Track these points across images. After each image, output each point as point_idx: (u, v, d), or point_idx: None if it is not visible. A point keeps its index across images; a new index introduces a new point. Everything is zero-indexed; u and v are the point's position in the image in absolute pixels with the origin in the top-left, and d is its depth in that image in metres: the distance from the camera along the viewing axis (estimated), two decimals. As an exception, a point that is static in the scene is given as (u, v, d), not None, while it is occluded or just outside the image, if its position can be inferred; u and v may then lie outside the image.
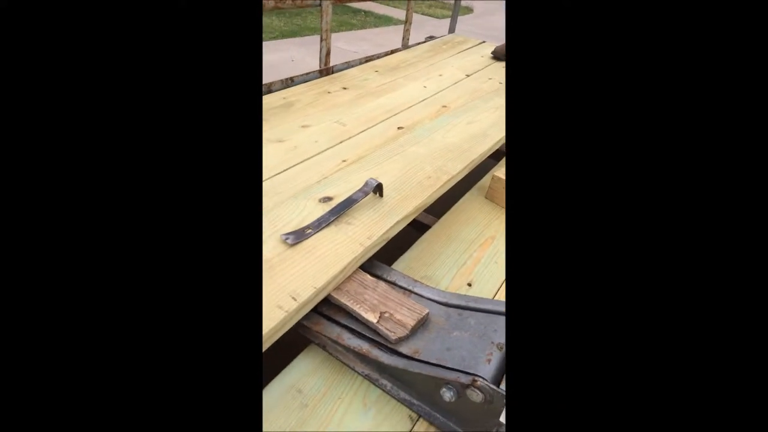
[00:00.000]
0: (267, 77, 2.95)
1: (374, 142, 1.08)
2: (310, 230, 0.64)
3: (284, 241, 0.62)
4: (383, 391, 0.54)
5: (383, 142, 1.08)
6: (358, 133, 1.12)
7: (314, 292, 0.55)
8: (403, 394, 0.53)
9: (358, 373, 0.55)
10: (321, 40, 1.40)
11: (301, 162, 0.96)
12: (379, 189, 0.74)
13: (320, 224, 0.66)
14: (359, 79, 1.46)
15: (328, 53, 1.44)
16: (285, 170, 0.92)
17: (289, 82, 1.33)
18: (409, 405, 0.52)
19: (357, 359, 0.55)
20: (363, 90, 1.38)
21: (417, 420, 0.52)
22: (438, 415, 0.51)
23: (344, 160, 0.98)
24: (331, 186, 0.78)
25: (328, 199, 0.73)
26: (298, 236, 0.63)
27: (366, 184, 0.74)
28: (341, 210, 0.69)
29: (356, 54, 1.79)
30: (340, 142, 1.07)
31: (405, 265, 0.74)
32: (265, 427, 0.48)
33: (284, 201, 0.73)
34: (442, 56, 1.77)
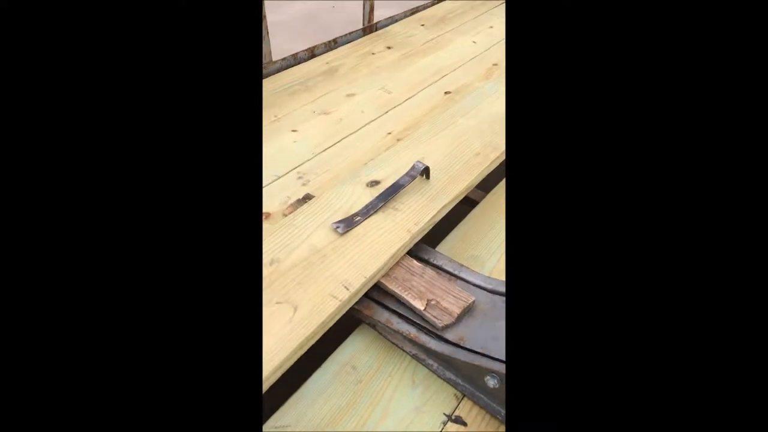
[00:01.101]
0: (307, 26, 2.87)
1: (421, 110, 1.06)
2: (358, 218, 0.67)
3: (335, 230, 0.65)
4: (430, 370, 0.58)
5: (430, 109, 1.06)
6: (404, 101, 1.10)
7: (365, 281, 0.58)
8: (448, 374, 0.57)
9: (407, 353, 0.60)
10: (364, -4, 1.34)
11: (348, 135, 0.97)
12: (426, 172, 0.74)
13: (368, 211, 0.68)
14: (404, 36, 1.40)
15: (371, 10, 1.38)
16: (332, 145, 0.94)
17: (332, 44, 1.31)
18: (454, 384, 0.57)
19: (405, 341, 0.59)
20: (408, 48, 1.33)
21: (462, 399, 0.56)
22: (482, 396, 0.55)
23: (389, 133, 0.98)
24: (378, 168, 0.80)
25: (376, 183, 0.75)
26: (348, 224, 0.66)
27: (413, 167, 0.74)
28: (389, 196, 0.70)
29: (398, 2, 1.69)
30: (386, 112, 1.06)
31: (450, 245, 0.75)
32: (323, 400, 0.54)
33: (333, 186, 0.75)
34: (494, 3, 1.64)
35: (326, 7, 3.02)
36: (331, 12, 2.94)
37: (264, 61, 1.14)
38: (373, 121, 1.03)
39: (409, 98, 1.12)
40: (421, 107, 1.08)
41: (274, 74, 1.16)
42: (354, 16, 2.49)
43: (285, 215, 0.72)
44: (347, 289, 0.57)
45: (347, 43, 1.34)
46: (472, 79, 1.19)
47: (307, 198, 0.75)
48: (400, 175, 0.75)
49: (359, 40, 1.36)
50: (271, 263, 0.60)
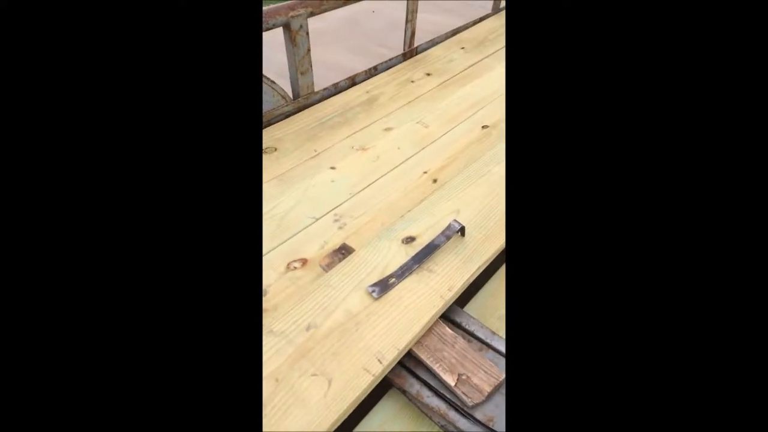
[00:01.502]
0: (346, 31, 2.86)
1: (458, 146, 1.06)
2: (393, 279, 0.68)
3: (370, 294, 0.67)
4: (457, 442, 0.59)
5: (467, 145, 1.06)
6: (441, 136, 1.10)
7: (397, 354, 0.60)
8: (475, 449, 0.58)
9: (435, 423, 0.61)
10: (406, 22, 1.33)
11: (384, 175, 0.98)
12: (461, 231, 0.75)
13: (403, 273, 0.69)
14: (444, 61, 1.39)
15: (412, 35, 1.37)
16: (369, 185, 0.95)
17: (373, 71, 1.32)
18: (480, 460, 0.58)
19: (435, 413, 0.61)
20: (447, 75, 1.32)
21: (487, 475, 0.57)
22: (507, 475, 0.56)
23: (425, 172, 0.98)
24: (414, 222, 0.80)
25: (411, 239, 0.76)
26: (383, 288, 0.67)
27: (449, 227, 0.75)
28: (424, 257, 0.71)
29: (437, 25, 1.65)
30: (423, 149, 1.06)
31: (481, 303, 0.76)
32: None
33: (369, 240, 0.77)
34: (538, 22, 1.59)
35: (366, 12, 3.01)
36: (371, 17, 2.93)
37: (307, 91, 1.16)
38: (409, 158, 1.03)
39: (446, 133, 1.11)
40: (458, 143, 1.08)
41: (316, 104, 1.19)
42: (393, 19, 2.45)
43: (322, 267, 0.75)
44: (380, 363, 0.59)
45: (387, 69, 1.34)
46: (512, 111, 1.17)
47: (344, 251, 0.77)
48: (436, 231, 0.76)
49: (399, 66, 1.36)
50: (308, 328, 0.63)
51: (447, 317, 0.68)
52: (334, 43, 2.58)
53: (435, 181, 0.97)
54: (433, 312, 0.65)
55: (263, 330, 0.63)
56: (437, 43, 1.48)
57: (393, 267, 0.71)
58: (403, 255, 0.73)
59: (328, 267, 0.74)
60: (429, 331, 0.65)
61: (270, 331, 0.62)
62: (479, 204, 0.84)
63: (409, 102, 1.21)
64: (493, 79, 1.30)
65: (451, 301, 0.68)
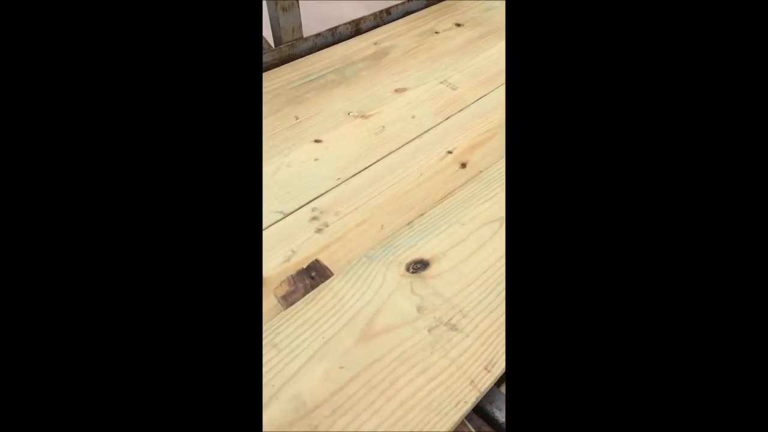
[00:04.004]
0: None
1: (497, 117, 0.75)
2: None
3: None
4: None
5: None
6: (473, 102, 0.79)
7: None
8: None
9: None
10: (431, -48, 1.01)
11: (390, 154, 0.68)
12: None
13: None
14: (480, 9, 1.06)
15: (439, -29, 1.04)
16: (366, 167, 0.66)
17: (384, 16, 0.99)
18: None
19: None
20: (484, 26, 0.99)
21: None
22: None
23: (450, 151, 0.69)
24: (429, 233, 0.50)
25: (422, 265, 0.45)
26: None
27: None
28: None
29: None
30: (448, 118, 0.75)
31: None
32: None
33: (351, 263, 0.47)
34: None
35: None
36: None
37: (292, 36, 0.86)
38: (427, 131, 0.73)
39: (482, 97, 0.80)
40: (497, 113, 0.77)
41: (303, 56, 0.88)
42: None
43: (278, 299, 0.46)
44: None
45: (404, 15, 1.02)
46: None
47: (314, 272, 0.48)
48: (465, 252, 0.46)
49: (420, 12, 1.03)
50: None
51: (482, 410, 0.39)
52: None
53: (464, 165, 0.66)
54: (458, 415, 0.35)
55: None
56: (472, -14, 1.14)
57: (386, 314, 0.41)
58: (405, 295, 0.43)
59: (286, 300, 0.45)
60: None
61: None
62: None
63: (432, 58, 0.90)
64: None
65: (489, 387, 0.38)
